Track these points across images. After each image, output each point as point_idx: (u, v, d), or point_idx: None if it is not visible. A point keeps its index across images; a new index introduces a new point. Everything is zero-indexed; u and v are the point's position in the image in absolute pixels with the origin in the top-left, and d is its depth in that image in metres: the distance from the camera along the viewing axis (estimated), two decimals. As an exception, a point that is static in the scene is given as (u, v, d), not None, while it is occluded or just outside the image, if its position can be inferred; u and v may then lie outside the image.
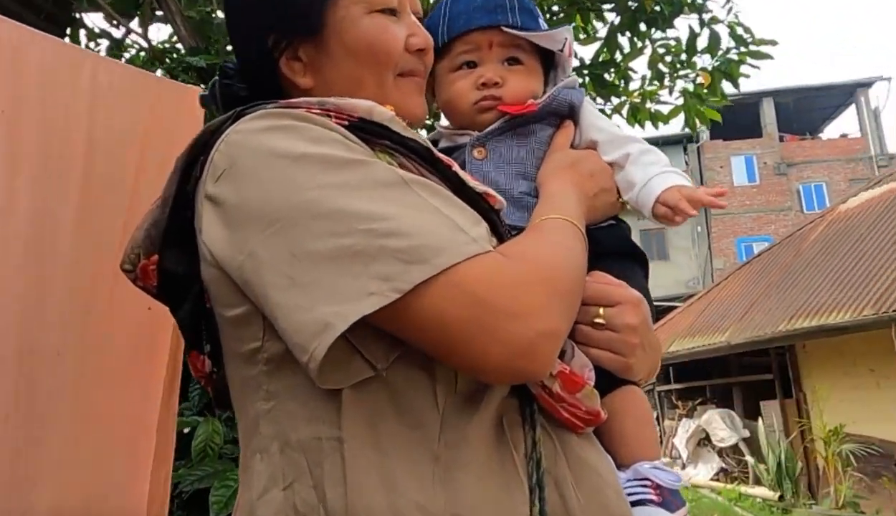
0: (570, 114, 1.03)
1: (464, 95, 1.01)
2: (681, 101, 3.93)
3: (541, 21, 1.07)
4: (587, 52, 3.70)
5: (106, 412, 1.58)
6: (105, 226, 1.61)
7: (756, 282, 10.87)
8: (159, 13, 3.49)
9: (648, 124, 3.89)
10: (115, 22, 3.75)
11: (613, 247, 0.96)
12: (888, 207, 9.66)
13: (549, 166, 0.97)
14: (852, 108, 25.06)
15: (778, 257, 11.05)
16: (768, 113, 24.17)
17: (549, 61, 1.06)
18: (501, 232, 0.79)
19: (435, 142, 1.06)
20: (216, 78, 0.94)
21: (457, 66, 1.02)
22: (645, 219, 1.00)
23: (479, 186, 0.80)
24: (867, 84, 24.43)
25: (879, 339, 7.72)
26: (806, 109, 24.90)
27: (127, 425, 1.63)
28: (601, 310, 0.82)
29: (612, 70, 3.62)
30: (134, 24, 3.82)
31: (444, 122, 1.13)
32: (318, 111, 0.77)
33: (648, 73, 3.84)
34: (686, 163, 23.95)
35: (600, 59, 3.66)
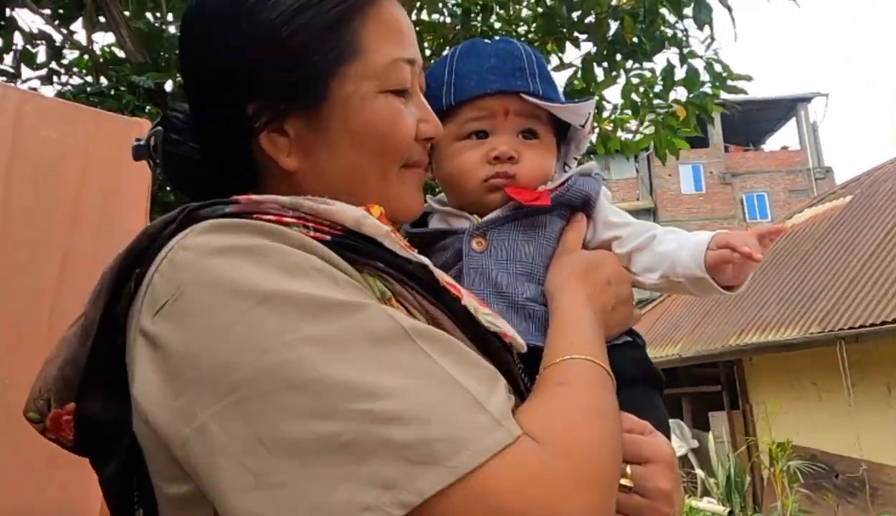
0: (583, 206, 0.90)
1: (472, 170, 0.87)
2: (651, 130, 3.88)
3: (559, 90, 0.94)
4: (559, 78, 3.59)
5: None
6: (36, 271, 1.56)
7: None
8: (103, 19, 3.19)
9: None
10: (56, 23, 3.41)
11: (631, 372, 0.82)
12: (831, 225, 10.01)
13: (559, 273, 0.83)
14: (793, 121, 26.10)
15: (727, 270, 11.30)
16: (715, 124, 24.93)
17: (562, 133, 0.94)
18: (516, 374, 0.66)
19: (424, 217, 0.91)
20: (158, 128, 0.74)
21: (464, 135, 0.88)
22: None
23: (493, 323, 0.66)
24: (807, 99, 25.47)
25: (823, 355, 7.97)
26: (749, 122, 25.78)
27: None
28: (628, 468, 0.68)
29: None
30: (77, 24, 3.49)
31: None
32: (291, 219, 0.61)
33: (621, 102, 3.77)
34: (636, 170, 24.44)
35: (573, 87, 3.56)
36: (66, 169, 1.75)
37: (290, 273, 0.56)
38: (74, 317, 0.67)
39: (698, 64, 3.31)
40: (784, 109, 25.99)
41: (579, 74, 3.57)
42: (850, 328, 7.40)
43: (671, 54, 3.07)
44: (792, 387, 9.05)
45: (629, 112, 3.77)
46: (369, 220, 0.64)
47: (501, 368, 0.62)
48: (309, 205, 0.63)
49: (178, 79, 2.83)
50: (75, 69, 3.24)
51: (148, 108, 2.73)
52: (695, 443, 10.36)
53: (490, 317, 0.66)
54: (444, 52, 3.54)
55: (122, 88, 2.64)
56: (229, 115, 0.69)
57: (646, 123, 3.83)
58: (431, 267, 0.65)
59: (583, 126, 0.94)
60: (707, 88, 3.43)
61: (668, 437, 0.78)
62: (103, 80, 3.12)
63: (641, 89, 3.59)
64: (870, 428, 7.73)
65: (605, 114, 3.82)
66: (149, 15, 3.24)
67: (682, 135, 3.75)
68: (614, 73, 3.46)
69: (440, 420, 0.50)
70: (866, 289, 7.81)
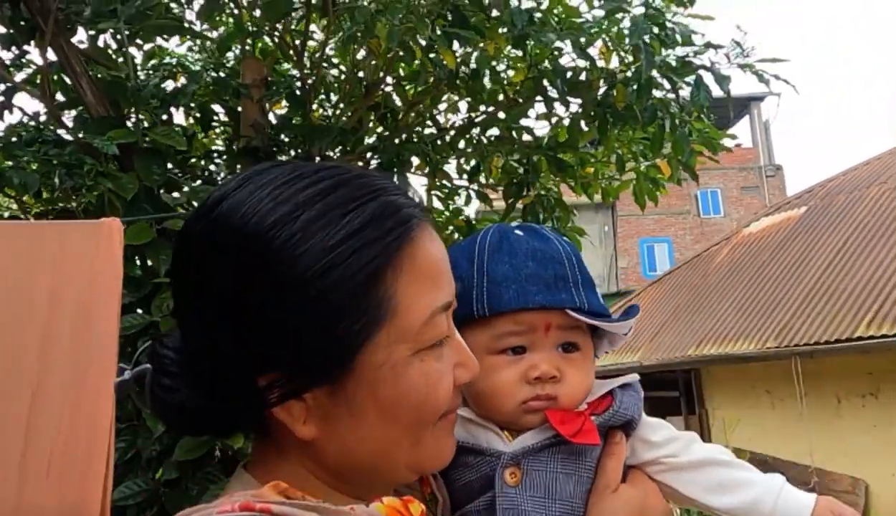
0: (625, 427, 0.83)
1: (509, 392, 0.78)
2: (632, 175, 3.85)
3: (599, 291, 0.85)
4: (543, 128, 3.52)
5: None
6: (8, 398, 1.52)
7: (666, 302, 11.31)
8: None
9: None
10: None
11: None
12: (786, 237, 10.29)
13: None
14: (746, 119, 26.77)
15: (687, 277, 11.56)
16: (672, 121, 25.36)
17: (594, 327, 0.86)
18: None
19: None
20: (146, 366, 0.65)
21: (499, 349, 0.79)
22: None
23: None
24: (760, 98, 26.13)
25: (778, 365, 8.23)
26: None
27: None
28: None
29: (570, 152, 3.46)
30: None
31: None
32: None
33: (602, 150, 3.72)
34: (596, 165, 24.72)
35: (556, 139, 3.48)
36: (34, 289, 1.67)
37: None
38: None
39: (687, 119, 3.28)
40: (738, 107, 26.63)
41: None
42: (805, 344, 7.65)
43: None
44: (746, 396, 9.33)
45: (613, 163, 3.73)
46: None
47: None
48: (332, 509, 0.55)
49: (146, 139, 2.63)
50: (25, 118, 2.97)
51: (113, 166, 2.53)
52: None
53: None
54: (423, 102, 3.43)
55: (82, 150, 2.42)
56: (235, 381, 0.60)
57: (627, 171, 3.80)
58: None
59: (626, 334, 0.85)
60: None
61: None
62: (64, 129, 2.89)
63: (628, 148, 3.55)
64: (819, 436, 8.04)
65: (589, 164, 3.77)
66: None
67: (662, 183, 3.73)
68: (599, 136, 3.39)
69: None
70: (820, 305, 8.06)
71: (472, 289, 0.79)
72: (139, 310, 2.46)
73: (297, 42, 3.06)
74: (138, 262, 2.65)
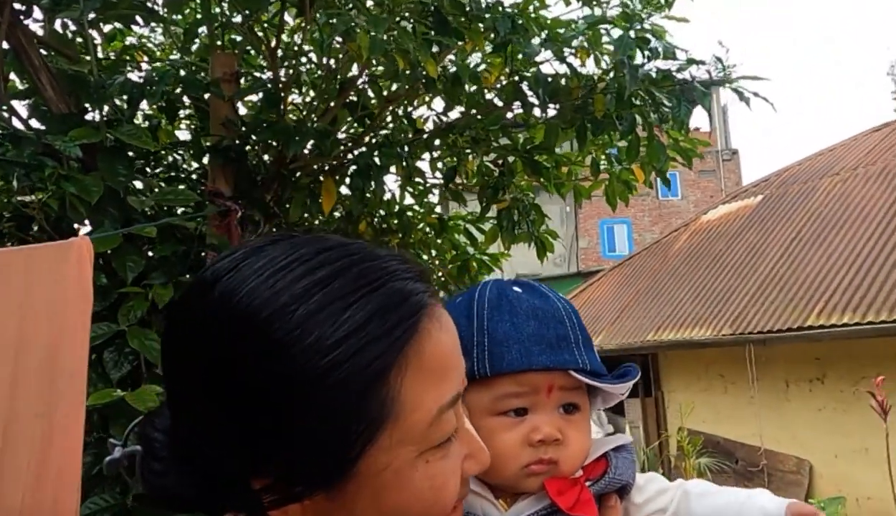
0: (619, 492, 0.83)
1: (512, 456, 0.77)
2: (605, 176, 3.88)
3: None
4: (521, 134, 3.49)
5: None
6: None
7: (627, 286, 11.54)
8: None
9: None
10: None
11: None
12: (743, 224, 10.58)
13: None
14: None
15: (647, 263, 11.80)
16: (635, 103, 25.60)
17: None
18: None
19: None
20: (136, 448, 0.62)
21: (500, 411, 0.78)
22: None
23: None
24: (719, 83, 26.53)
25: (731, 350, 8.52)
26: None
27: None
28: None
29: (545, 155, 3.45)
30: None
31: None
32: None
33: (577, 153, 3.73)
34: (559, 145, 24.85)
35: (532, 141, 3.47)
36: (1, 325, 1.63)
37: None
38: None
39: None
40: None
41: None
42: (759, 332, 7.92)
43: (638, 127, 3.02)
44: (700, 379, 9.65)
45: (587, 164, 3.74)
46: None
47: None
48: None
49: (109, 135, 2.50)
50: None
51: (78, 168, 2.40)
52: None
53: None
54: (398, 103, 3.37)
55: (41, 157, 2.29)
56: (227, 479, 0.56)
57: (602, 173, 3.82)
58: None
59: (622, 394, 0.85)
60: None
61: None
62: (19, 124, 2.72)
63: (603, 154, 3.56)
64: (769, 419, 8.39)
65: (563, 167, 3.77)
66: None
67: (633, 185, 3.76)
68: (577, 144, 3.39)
69: None
70: (773, 294, 8.35)
71: (472, 348, 0.77)
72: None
73: (271, 38, 2.95)
74: (103, 270, 2.55)
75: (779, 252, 9.16)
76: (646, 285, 11.05)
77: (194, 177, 3.28)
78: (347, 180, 2.94)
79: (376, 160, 2.77)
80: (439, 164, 3.76)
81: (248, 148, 2.87)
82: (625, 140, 2.82)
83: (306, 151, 2.96)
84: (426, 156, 3.63)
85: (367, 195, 2.79)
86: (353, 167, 2.79)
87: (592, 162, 3.47)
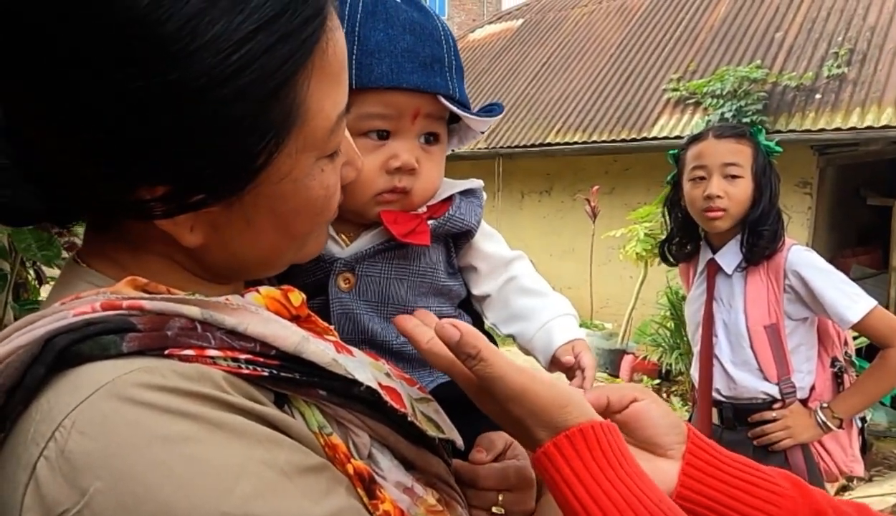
0: (463, 237, 0.84)
1: (368, 180, 0.75)
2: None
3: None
4: None
5: None
6: None
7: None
8: None
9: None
10: None
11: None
12: (504, 46, 11.16)
13: None
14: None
15: (414, 75, 11.91)
16: None
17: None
18: (447, 462, 0.69)
19: None
20: None
21: (362, 131, 0.74)
22: None
23: (436, 426, 0.66)
24: None
25: (482, 164, 9.40)
26: None
27: None
28: (500, 497, 0.70)
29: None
30: None
31: None
32: (216, 351, 0.50)
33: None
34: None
35: None
36: None
37: (239, 480, 0.44)
38: None
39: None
40: None
41: None
42: (507, 146, 8.79)
43: None
44: (454, 188, 10.54)
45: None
46: (311, 346, 0.55)
47: (437, 454, 0.66)
48: (231, 322, 0.52)
49: None
50: None
51: None
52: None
53: (430, 412, 0.66)
54: None
55: None
56: (96, 187, 0.50)
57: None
58: (377, 388, 0.60)
59: (482, 132, 0.88)
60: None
61: None
62: None
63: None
64: (506, 225, 9.66)
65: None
66: None
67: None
68: None
69: None
70: (523, 113, 9.20)
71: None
72: None
73: None
74: None
75: (531, 74, 9.96)
76: (412, 98, 11.27)
77: None
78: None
79: None
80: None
81: None
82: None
83: None
84: None
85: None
86: None
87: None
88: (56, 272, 1.57)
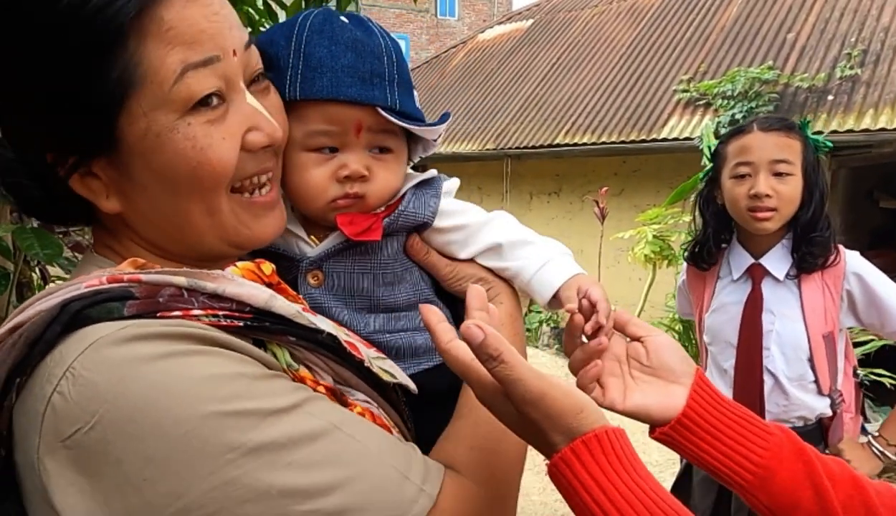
0: (419, 229, 0.86)
1: (319, 190, 0.80)
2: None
3: (415, 92, 0.87)
4: None
5: None
6: None
7: (402, 98, 11.66)
8: None
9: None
10: None
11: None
12: (514, 46, 11.15)
13: None
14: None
15: (425, 77, 11.95)
16: None
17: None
18: (403, 409, 0.75)
19: None
20: None
21: (312, 148, 0.79)
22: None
23: (388, 373, 0.72)
24: None
25: (490, 165, 9.39)
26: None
27: None
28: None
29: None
30: None
31: None
32: (199, 311, 0.60)
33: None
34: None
35: None
36: None
37: (218, 387, 0.55)
38: None
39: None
40: None
41: None
42: (516, 148, 8.77)
43: None
44: (461, 190, 10.45)
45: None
46: (278, 301, 0.64)
47: (396, 408, 0.73)
48: (212, 287, 0.61)
49: None
50: None
51: None
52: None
53: (386, 366, 0.73)
54: None
55: None
56: (35, 161, 0.64)
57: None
58: (337, 334, 0.68)
59: (435, 140, 0.89)
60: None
61: None
62: None
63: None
64: (514, 226, 9.64)
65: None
66: None
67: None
68: None
69: (379, 498, 0.59)
70: (532, 114, 9.19)
71: (287, 69, 0.76)
72: None
73: None
74: None
75: (541, 75, 9.94)
76: (423, 99, 10.94)
77: None
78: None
79: None
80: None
81: None
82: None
83: None
84: None
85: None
86: None
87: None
88: (60, 271, 1.62)
